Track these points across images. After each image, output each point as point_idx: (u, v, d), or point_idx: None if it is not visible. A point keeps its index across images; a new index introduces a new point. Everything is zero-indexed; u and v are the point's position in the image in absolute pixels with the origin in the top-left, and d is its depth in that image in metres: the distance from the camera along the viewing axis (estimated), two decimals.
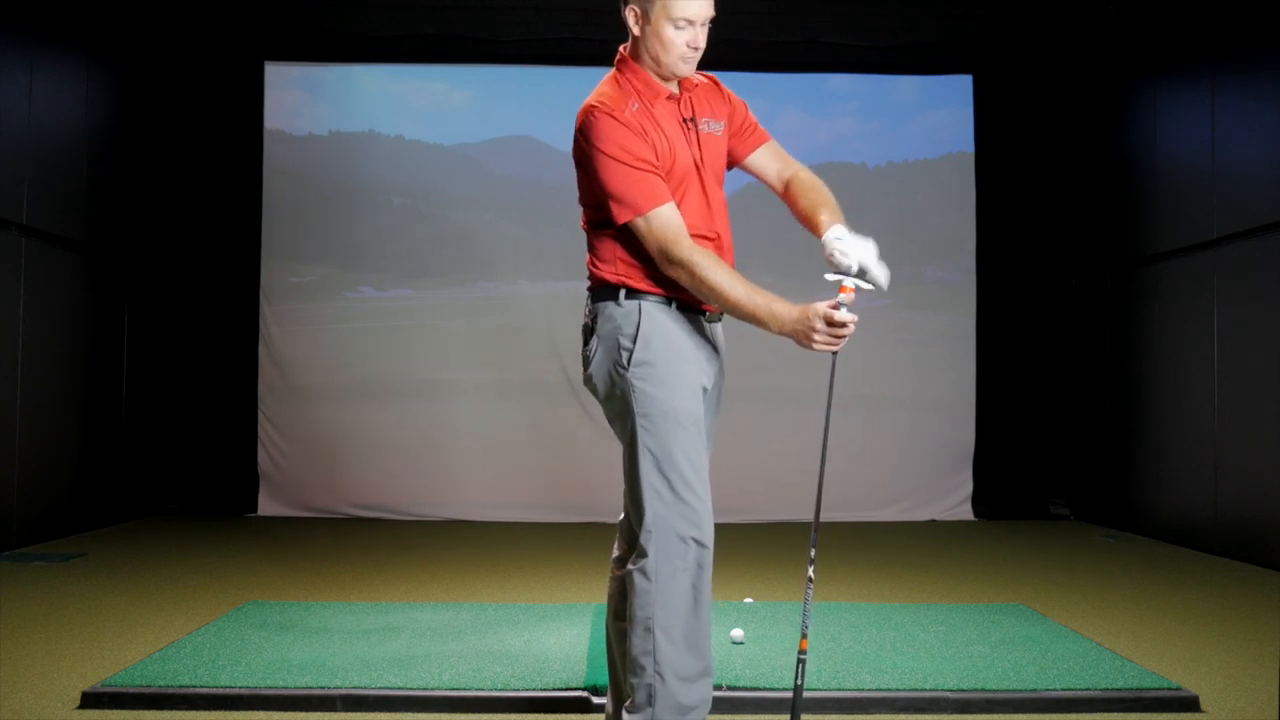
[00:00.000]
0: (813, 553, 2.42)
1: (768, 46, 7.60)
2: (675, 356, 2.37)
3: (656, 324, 2.36)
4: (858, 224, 2.40)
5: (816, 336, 2.25)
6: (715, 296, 2.30)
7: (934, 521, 7.51)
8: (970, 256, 7.81)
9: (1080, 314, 7.73)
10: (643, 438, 2.32)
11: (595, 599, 4.49)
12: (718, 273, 2.28)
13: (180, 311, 7.60)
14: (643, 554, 2.29)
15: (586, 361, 2.43)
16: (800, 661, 2.37)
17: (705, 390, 2.44)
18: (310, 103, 7.77)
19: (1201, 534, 6.09)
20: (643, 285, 2.37)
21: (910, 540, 6.62)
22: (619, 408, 2.38)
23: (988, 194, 7.82)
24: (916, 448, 7.61)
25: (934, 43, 7.76)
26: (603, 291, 2.41)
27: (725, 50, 7.46)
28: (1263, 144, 5.61)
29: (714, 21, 2.38)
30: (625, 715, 2.31)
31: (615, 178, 2.30)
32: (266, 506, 7.49)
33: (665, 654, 2.26)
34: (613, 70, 2.44)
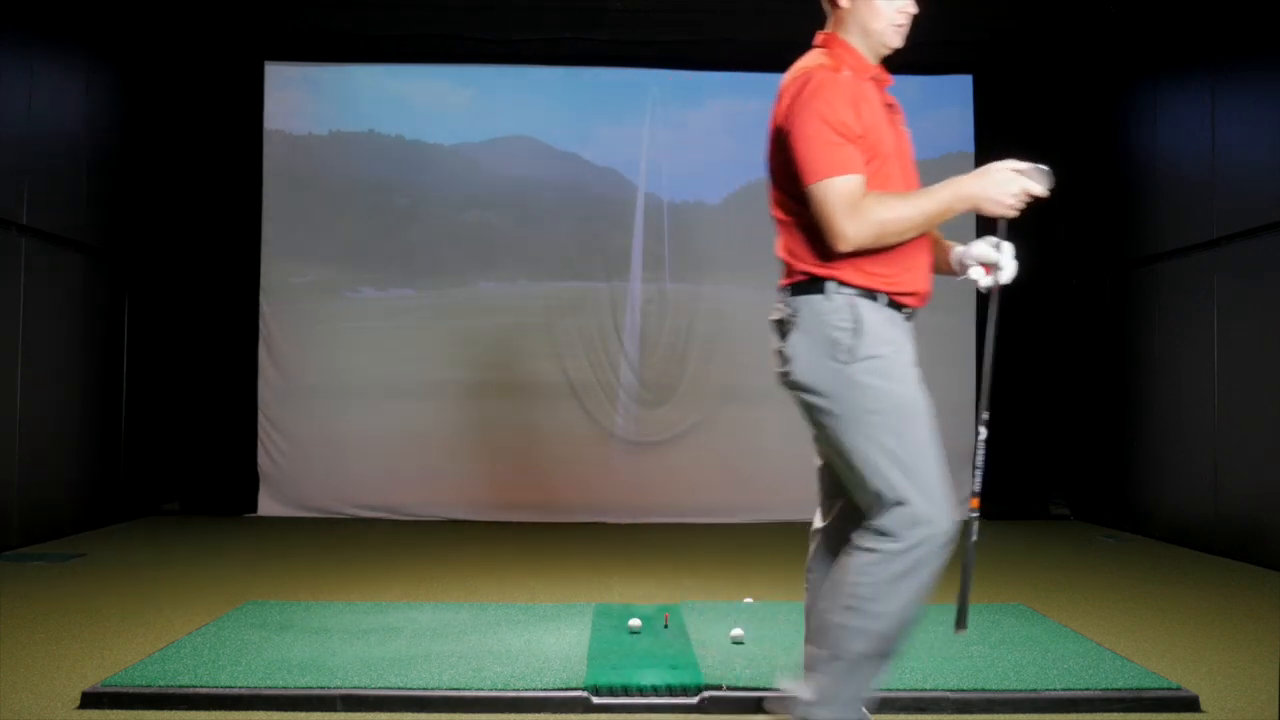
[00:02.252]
0: (985, 415, 2.50)
1: (768, 46, 7.58)
2: (897, 349, 2.34)
3: (872, 318, 2.30)
4: None
5: (1012, 190, 2.40)
6: (902, 222, 2.25)
7: None
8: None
9: (1080, 314, 7.73)
10: (879, 436, 2.27)
11: (595, 599, 4.49)
12: (891, 201, 2.24)
13: (181, 311, 7.60)
14: (884, 534, 2.24)
15: (784, 359, 2.36)
16: (971, 520, 2.40)
17: None
18: (310, 103, 7.77)
19: (1201, 534, 6.09)
20: (854, 279, 2.30)
21: None
22: (836, 403, 2.31)
23: None
24: None
25: (934, 43, 7.72)
26: (806, 285, 2.33)
27: (724, 50, 7.55)
28: (1263, 144, 5.61)
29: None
30: (809, 662, 2.34)
31: (818, 138, 2.22)
32: (266, 506, 7.49)
33: (865, 637, 2.23)
34: (814, 50, 2.42)
